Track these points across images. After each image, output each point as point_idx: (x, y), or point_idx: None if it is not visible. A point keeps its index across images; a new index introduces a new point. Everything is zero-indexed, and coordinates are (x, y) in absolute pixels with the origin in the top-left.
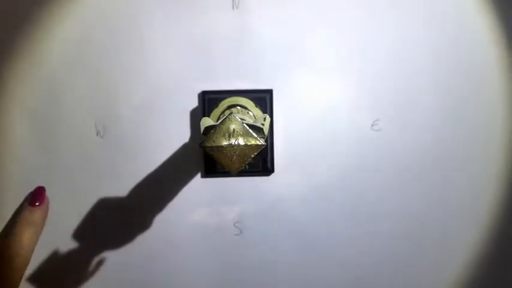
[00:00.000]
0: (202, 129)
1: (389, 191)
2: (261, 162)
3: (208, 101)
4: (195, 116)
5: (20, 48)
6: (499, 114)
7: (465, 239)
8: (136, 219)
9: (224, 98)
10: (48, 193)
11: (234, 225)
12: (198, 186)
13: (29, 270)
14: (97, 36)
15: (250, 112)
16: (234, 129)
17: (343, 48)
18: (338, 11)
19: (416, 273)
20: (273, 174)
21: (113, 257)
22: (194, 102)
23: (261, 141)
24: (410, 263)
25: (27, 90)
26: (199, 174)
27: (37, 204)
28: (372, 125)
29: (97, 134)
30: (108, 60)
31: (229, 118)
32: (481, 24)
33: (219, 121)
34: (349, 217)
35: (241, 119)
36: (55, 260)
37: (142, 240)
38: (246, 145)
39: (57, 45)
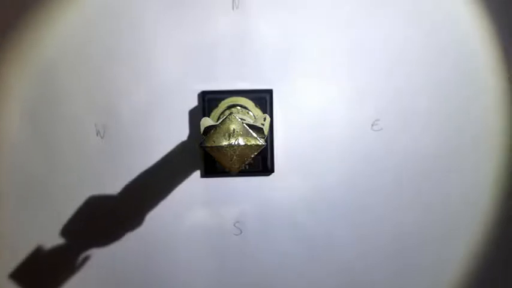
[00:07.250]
0: (202, 129)
1: (389, 190)
2: (261, 162)
3: (208, 101)
4: (195, 116)
5: (20, 48)
6: (498, 114)
7: (465, 239)
8: (136, 219)
9: (224, 98)
10: (48, 193)
11: (234, 225)
12: (198, 186)
13: (29, 267)
14: (98, 37)
15: (250, 112)
16: (234, 129)
17: (343, 48)
18: (337, 12)
19: (417, 273)
20: (273, 174)
21: (112, 256)
22: (194, 102)
23: (261, 141)
24: (411, 264)
25: (28, 90)
26: (199, 174)
27: None
28: (372, 125)
29: (97, 134)
30: (108, 60)
31: (229, 118)
32: (479, 24)
33: (219, 121)
34: (349, 217)
35: (241, 119)
36: (55, 259)
37: (142, 240)
38: (246, 145)
39: (58, 46)
